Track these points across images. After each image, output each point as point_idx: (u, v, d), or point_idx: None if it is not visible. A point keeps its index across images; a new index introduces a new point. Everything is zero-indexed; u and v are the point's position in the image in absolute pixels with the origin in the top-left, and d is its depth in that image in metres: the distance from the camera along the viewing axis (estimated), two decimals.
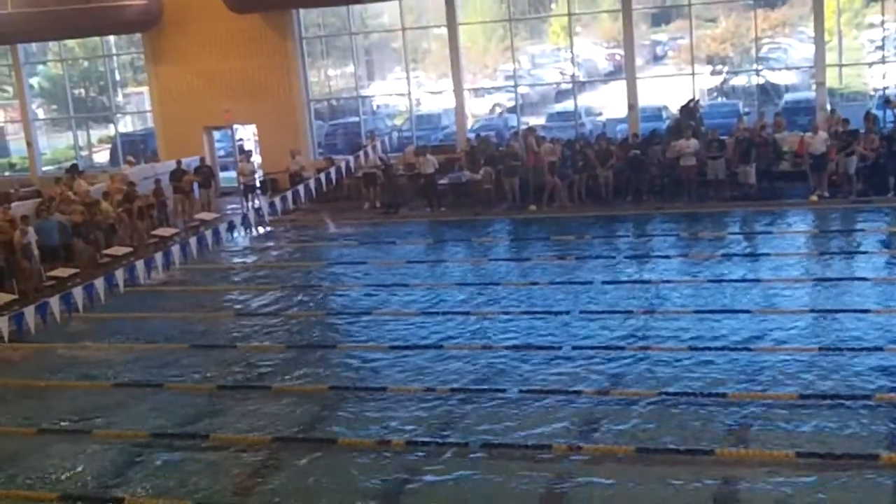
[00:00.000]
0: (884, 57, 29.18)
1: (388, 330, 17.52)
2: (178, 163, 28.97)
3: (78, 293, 18.42)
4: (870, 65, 30.43)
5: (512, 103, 32.38)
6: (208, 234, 21.97)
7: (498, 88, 33.66)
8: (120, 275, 19.35)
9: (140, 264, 20.31)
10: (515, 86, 31.79)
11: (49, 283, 21.75)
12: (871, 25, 30.37)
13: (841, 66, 29.96)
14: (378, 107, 34.91)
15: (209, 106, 31.83)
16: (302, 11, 31.99)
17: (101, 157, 36.73)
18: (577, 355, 15.33)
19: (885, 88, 27.80)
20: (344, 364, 16.07)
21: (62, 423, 14.57)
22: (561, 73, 33.36)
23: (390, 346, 16.59)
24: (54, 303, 17.85)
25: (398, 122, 33.93)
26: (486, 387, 14.40)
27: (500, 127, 31.74)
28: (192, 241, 21.69)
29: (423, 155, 28.18)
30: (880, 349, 14.53)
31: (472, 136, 30.18)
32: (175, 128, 32.77)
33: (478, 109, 33.61)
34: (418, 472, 11.89)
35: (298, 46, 32.05)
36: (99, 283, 18.75)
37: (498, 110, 33.88)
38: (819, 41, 27.91)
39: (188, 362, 16.78)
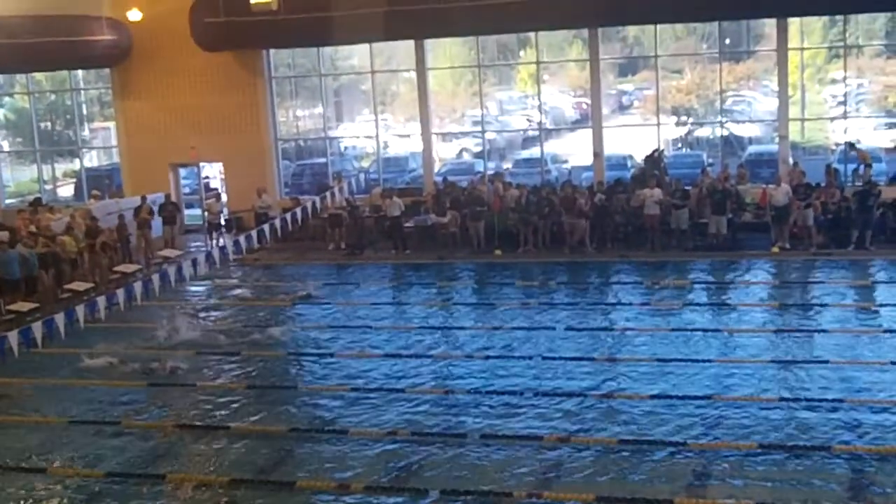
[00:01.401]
0: (846, 112, 29.62)
1: (349, 372, 17.44)
2: (143, 199, 28.85)
3: (37, 327, 18.24)
4: (832, 119, 30.91)
5: (479, 148, 32.56)
6: (171, 270, 21.86)
7: (465, 133, 33.86)
8: (80, 310, 19.19)
9: (101, 300, 20.16)
10: (483, 131, 31.96)
11: (8, 318, 21.51)
12: (834, 81, 30.90)
13: (804, 120, 30.45)
14: (346, 148, 35.00)
15: (176, 142, 31.73)
16: (272, 51, 32.06)
17: (66, 191, 36.47)
18: (537, 401, 15.34)
19: (847, 137, 28.15)
20: (304, 406, 15.98)
21: (13, 460, 14.35)
22: (528, 119, 33.61)
23: (351, 388, 16.52)
24: (12, 337, 17.66)
25: (365, 163, 34.00)
26: (446, 431, 14.37)
27: (470, 172, 31.87)
28: (155, 277, 21.57)
29: (389, 197, 28.23)
30: (840, 400, 14.63)
31: (438, 179, 30.28)
32: (141, 163, 32.62)
33: (445, 153, 33.75)
34: None
35: (268, 86, 32.07)
36: (59, 318, 18.59)
37: (465, 155, 34.05)
38: (783, 95, 28.35)
39: (146, 400, 16.62)
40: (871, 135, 29.83)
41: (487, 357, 17.87)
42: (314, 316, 21.84)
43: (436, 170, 31.50)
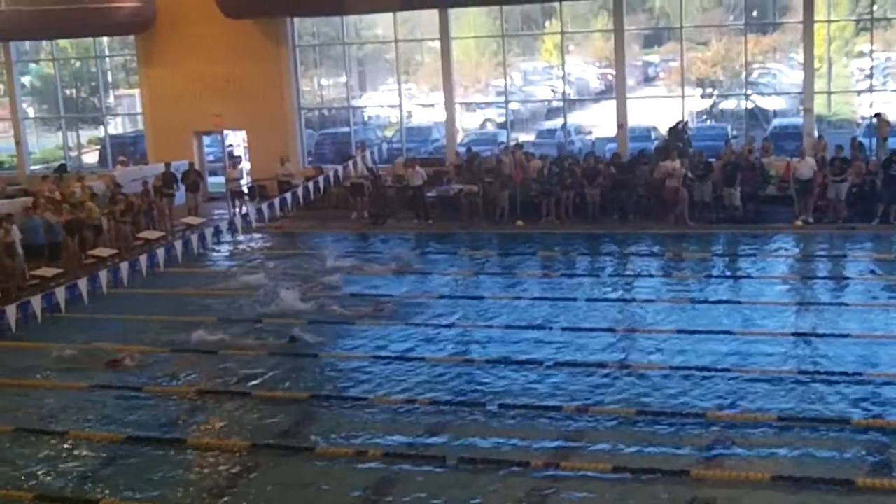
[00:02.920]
0: (872, 86, 29.36)
1: (369, 340, 17.52)
2: (167, 165, 28.97)
3: (60, 293, 18.41)
4: (858, 93, 30.61)
5: (502, 118, 32.47)
6: (194, 238, 21.98)
7: (489, 103, 33.75)
8: (104, 276, 19.35)
9: (124, 266, 20.31)
10: (506, 101, 31.88)
11: (32, 283, 21.68)
12: (861, 54, 30.57)
13: (830, 93, 30.14)
14: (369, 118, 34.96)
15: (200, 110, 31.78)
16: (296, 20, 32.03)
17: (91, 158, 36.65)
18: (557, 371, 15.37)
19: (874, 111, 27.89)
20: (325, 373, 16.07)
21: (37, 422, 14.52)
22: (552, 90, 33.47)
23: (373, 356, 16.61)
24: (36, 302, 17.83)
25: (388, 133, 33.97)
26: (465, 399, 14.43)
27: (493, 142, 31.77)
28: (178, 244, 21.70)
29: (411, 167, 28.22)
30: (859, 374, 14.59)
31: (462, 149, 30.23)
32: (165, 131, 32.72)
33: (468, 123, 33.68)
34: (396, 482, 11.90)
35: (292, 54, 32.08)
36: (82, 283, 18.75)
37: (489, 125, 33.97)
38: (808, 68, 28.11)
39: (169, 365, 16.75)
40: None
41: (507, 327, 17.89)
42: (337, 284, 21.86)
43: (459, 140, 31.46)
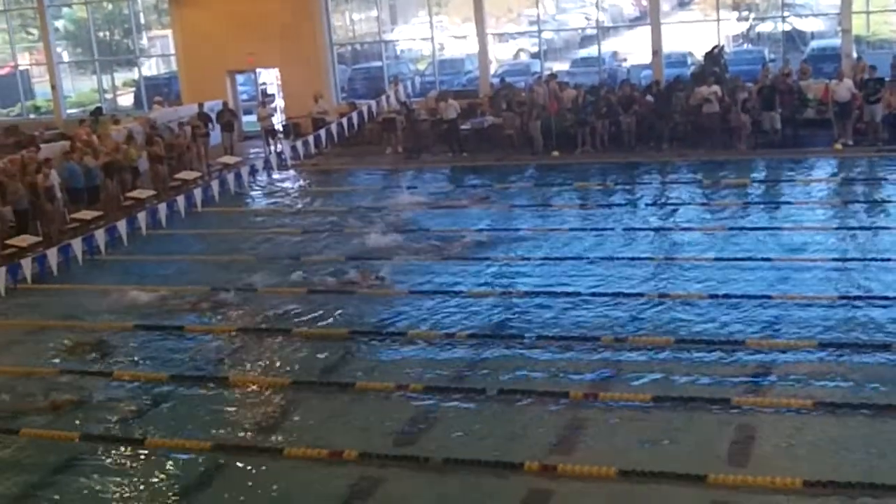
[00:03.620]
0: None
1: (410, 275, 17.58)
2: (200, 106, 28.99)
3: (100, 235, 18.57)
4: None
5: (536, 49, 32.16)
6: (230, 177, 22.06)
7: (522, 33, 33.41)
8: (142, 217, 19.49)
9: (162, 207, 20.44)
10: (539, 31, 31.54)
11: (72, 226, 21.88)
12: None
13: (868, 13, 29.50)
14: (401, 51, 34.75)
15: (233, 49, 31.69)
16: None
17: (126, 100, 36.76)
18: (595, 301, 15.37)
19: None
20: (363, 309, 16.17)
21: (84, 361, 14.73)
22: (586, 17, 33.07)
23: (409, 291, 16.68)
24: (76, 245, 18.00)
25: (421, 66, 33.77)
26: (503, 333, 14.48)
27: (526, 73, 31.47)
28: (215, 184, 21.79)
29: (444, 100, 28.05)
30: None
31: (496, 80, 29.99)
32: (198, 71, 32.68)
33: (501, 54, 33.39)
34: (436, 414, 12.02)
35: None
36: (121, 225, 18.90)
37: (522, 55, 33.66)
38: None
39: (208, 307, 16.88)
40: None
41: (545, 259, 17.88)
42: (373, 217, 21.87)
43: (492, 71, 31.22)
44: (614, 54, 31.77)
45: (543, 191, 23.61)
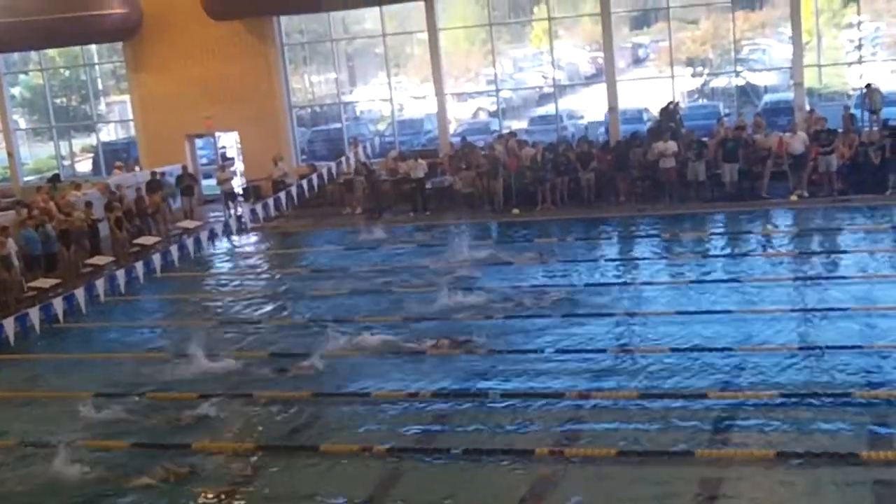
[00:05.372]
0: (861, 57, 29.32)
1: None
2: (153, 174, 28.81)
3: (58, 303, 18.39)
4: (849, 64, 30.56)
5: (494, 107, 32.42)
6: (189, 242, 21.98)
7: (480, 93, 33.71)
8: (101, 284, 19.34)
9: (121, 273, 20.30)
10: (497, 90, 31.83)
11: (30, 294, 21.64)
12: (850, 25, 30.53)
13: (820, 66, 30.09)
14: (361, 112, 34.93)
15: (191, 113, 31.73)
16: (283, 18, 31.96)
17: (84, 166, 36.61)
18: (557, 357, 15.37)
19: (865, 82, 27.81)
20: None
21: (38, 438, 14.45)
22: (543, 76, 33.42)
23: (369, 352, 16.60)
24: (34, 313, 17.80)
25: (381, 127, 33.93)
26: (466, 390, 14.44)
27: (486, 131, 31.70)
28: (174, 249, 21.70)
29: (413, 159, 28.23)
30: (860, 347, 14.57)
31: (456, 139, 30.16)
32: (157, 136, 32.65)
33: (461, 113, 33.64)
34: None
35: (280, 53, 32.01)
36: (79, 293, 18.73)
37: (481, 114, 33.92)
38: (797, 42, 28.02)
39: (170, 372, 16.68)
40: (888, 78, 29.45)
41: (507, 316, 17.85)
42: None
43: (451, 130, 31.42)
44: (571, 112, 32.10)
45: (503, 247, 23.53)
